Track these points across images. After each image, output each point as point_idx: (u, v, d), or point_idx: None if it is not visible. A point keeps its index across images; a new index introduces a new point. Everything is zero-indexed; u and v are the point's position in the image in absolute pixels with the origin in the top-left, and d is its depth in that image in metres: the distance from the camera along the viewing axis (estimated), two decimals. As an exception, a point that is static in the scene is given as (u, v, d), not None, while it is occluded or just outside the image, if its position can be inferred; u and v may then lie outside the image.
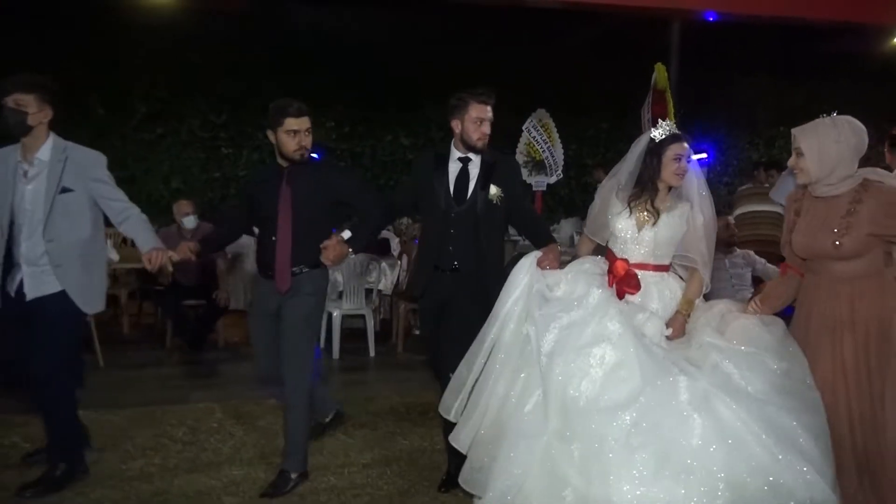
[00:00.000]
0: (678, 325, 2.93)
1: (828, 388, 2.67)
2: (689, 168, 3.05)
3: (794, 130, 2.76)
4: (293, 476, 3.51)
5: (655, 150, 3.05)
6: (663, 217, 3.04)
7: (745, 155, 11.36)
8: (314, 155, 11.09)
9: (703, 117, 10.20)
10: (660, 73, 8.00)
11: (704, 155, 9.95)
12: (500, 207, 3.41)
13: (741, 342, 2.76)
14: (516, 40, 9.98)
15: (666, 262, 3.10)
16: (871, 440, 2.65)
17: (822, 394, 2.67)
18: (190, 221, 6.37)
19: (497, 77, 10.03)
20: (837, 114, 2.76)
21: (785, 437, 2.51)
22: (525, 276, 3.07)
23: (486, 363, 3.00)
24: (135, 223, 3.54)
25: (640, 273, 3.02)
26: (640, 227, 3.06)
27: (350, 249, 3.47)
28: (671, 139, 3.04)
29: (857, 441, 2.66)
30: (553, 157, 10.58)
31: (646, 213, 3.06)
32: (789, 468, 2.45)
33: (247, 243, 7.85)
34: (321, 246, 3.41)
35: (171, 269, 6.77)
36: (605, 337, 2.73)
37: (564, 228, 9.47)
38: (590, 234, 3.35)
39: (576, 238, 9.04)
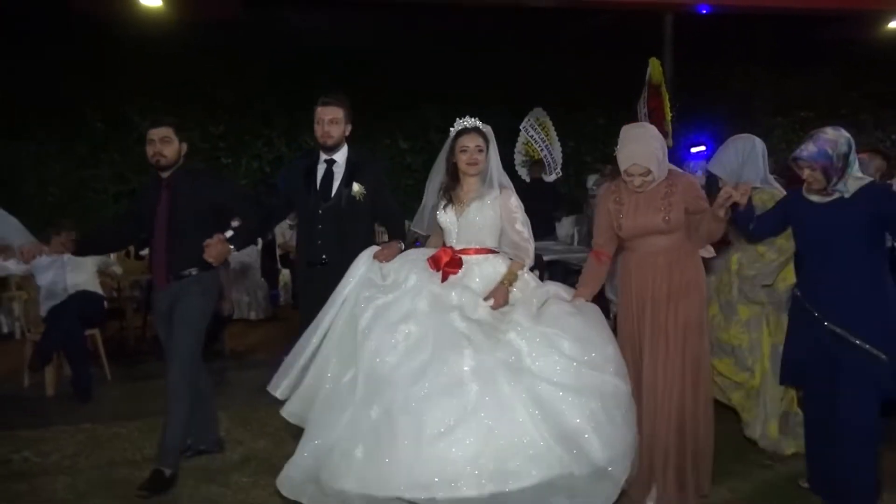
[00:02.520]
0: (499, 294, 3.12)
1: (655, 348, 3.16)
2: (489, 158, 3.29)
3: (636, 161, 3.11)
4: (167, 474, 3.59)
5: (450, 144, 3.33)
6: (474, 204, 3.29)
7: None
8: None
9: (700, 110, 10.20)
10: (654, 68, 8.02)
11: (703, 147, 9.93)
12: (364, 203, 3.69)
13: (545, 324, 2.98)
14: (511, 41, 10.00)
15: (488, 245, 3.31)
16: (678, 381, 3.15)
17: (651, 353, 3.14)
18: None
19: (494, 78, 10.09)
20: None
21: (555, 416, 2.73)
22: (363, 266, 3.31)
23: (321, 344, 3.17)
24: (1, 223, 3.69)
25: (464, 257, 3.25)
26: (457, 216, 3.31)
27: (231, 247, 3.63)
28: (460, 133, 3.30)
29: (671, 390, 3.15)
30: (551, 155, 10.58)
31: (458, 203, 3.32)
32: (552, 447, 2.67)
33: (251, 252, 7.90)
34: (204, 244, 3.54)
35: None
36: (413, 315, 2.99)
37: (565, 226, 9.42)
38: (424, 231, 3.56)
39: (576, 236, 9.01)
